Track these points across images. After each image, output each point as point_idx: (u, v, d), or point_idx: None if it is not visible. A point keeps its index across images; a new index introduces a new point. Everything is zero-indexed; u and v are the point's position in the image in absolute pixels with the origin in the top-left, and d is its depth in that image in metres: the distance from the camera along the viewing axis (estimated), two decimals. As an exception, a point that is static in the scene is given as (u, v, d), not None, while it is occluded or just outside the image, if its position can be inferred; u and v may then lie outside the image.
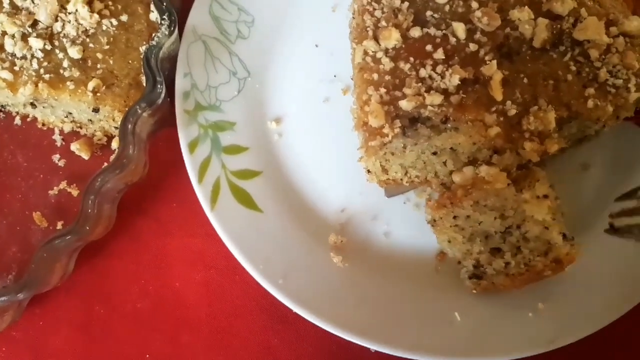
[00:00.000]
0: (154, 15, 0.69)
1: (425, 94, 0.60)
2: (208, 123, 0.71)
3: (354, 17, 0.67)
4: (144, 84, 0.67)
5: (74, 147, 0.73)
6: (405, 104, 0.59)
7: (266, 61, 0.75)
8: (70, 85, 0.64)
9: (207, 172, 0.68)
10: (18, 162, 0.74)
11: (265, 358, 0.69)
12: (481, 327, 0.63)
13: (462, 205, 0.60)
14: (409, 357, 0.62)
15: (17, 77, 0.64)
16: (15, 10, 0.66)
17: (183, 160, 0.70)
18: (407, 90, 0.60)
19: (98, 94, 0.65)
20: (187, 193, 0.71)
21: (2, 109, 0.74)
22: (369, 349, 0.68)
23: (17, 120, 0.75)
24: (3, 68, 0.64)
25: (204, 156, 0.69)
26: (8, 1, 0.66)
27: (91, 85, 0.65)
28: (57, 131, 0.74)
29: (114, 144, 0.74)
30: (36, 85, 0.64)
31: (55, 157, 0.74)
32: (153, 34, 0.68)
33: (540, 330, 0.63)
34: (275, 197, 0.70)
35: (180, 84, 0.70)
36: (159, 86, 0.64)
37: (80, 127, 0.74)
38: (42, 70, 0.65)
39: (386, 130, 0.59)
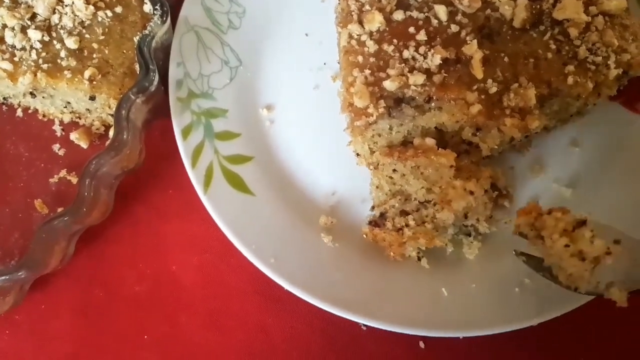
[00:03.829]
0: (148, 7, 0.71)
1: (409, 75, 0.62)
2: (201, 110, 0.73)
3: (339, 3, 0.69)
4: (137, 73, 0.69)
5: (73, 136, 0.76)
6: (389, 85, 0.61)
7: (257, 50, 0.78)
8: (68, 74, 0.67)
9: (200, 158, 0.70)
10: (20, 152, 0.76)
11: (259, 337, 0.71)
12: (468, 301, 0.64)
13: (404, 163, 0.64)
14: (398, 330, 0.63)
15: (17, 67, 0.67)
16: (14, 4, 0.69)
17: (178, 149, 0.73)
18: (390, 71, 0.62)
19: (94, 82, 0.67)
20: (183, 180, 0.73)
21: (5, 102, 0.77)
22: (360, 326, 0.70)
23: (19, 112, 0.78)
24: (3, 59, 0.67)
25: (197, 142, 0.71)
26: (7, -4, 0.69)
27: (87, 73, 0.67)
28: (57, 122, 0.77)
29: (112, 133, 0.76)
30: (35, 75, 0.67)
31: (56, 147, 0.76)
32: (148, 25, 0.70)
33: (526, 305, 0.64)
34: (267, 181, 0.72)
35: (174, 72, 0.73)
36: (151, 73, 0.66)
37: (79, 118, 0.76)
38: (40, 61, 0.67)
39: (371, 110, 0.61)
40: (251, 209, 0.69)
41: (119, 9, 0.70)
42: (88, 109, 0.73)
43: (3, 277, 0.61)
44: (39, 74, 0.66)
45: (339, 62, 0.68)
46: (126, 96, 0.65)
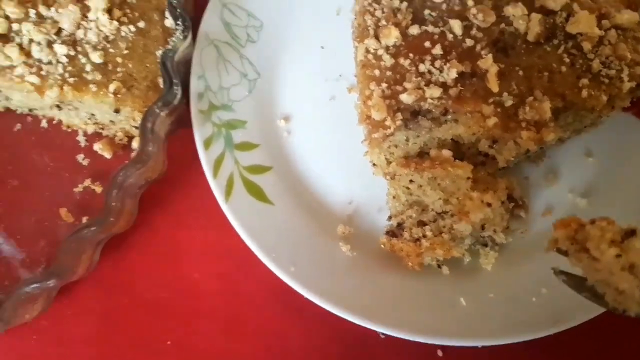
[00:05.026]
0: (169, 22, 0.73)
1: (425, 88, 0.63)
2: (221, 122, 0.75)
3: (355, 18, 0.71)
4: (161, 86, 0.71)
5: (97, 147, 0.78)
6: (406, 97, 0.63)
7: (275, 63, 0.80)
8: (93, 87, 0.69)
9: (221, 168, 0.72)
10: (45, 162, 0.79)
11: (277, 343, 0.72)
12: (486, 311, 0.66)
13: (421, 174, 0.65)
14: (416, 339, 0.65)
15: (44, 81, 0.69)
16: (40, 19, 0.71)
17: (199, 159, 0.75)
18: (407, 85, 0.64)
19: (119, 96, 0.69)
20: (203, 189, 0.75)
21: (30, 113, 0.80)
22: (377, 334, 0.71)
23: (44, 123, 0.80)
24: (31, 73, 0.69)
25: (218, 153, 0.73)
26: (34, 11, 0.71)
27: (112, 87, 0.69)
28: (80, 133, 0.79)
29: (134, 144, 0.78)
30: (61, 88, 0.69)
31: (80, 157, 0.78)
32: (168, 39, 0.73)
33: (544, 314, 0.65)
34: (285, 190, 0.74)
35: (195, 85, 0.75)
36: (175, 87, 0.68)
37: (103, 129, 0.78)
38: (66, 74, 0.69)
39: (388, 122, 0.62)
40: (270, 218, 0.71)
41: (141, 24, 0.72)
42: (112, 121, 0.75)
43: (33, 285, 0.63)
44: (65, 88, 0.69)
45: (355, 76, 0.69)
46: (151, 110, 0.67)
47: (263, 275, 0.73)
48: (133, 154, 0.76)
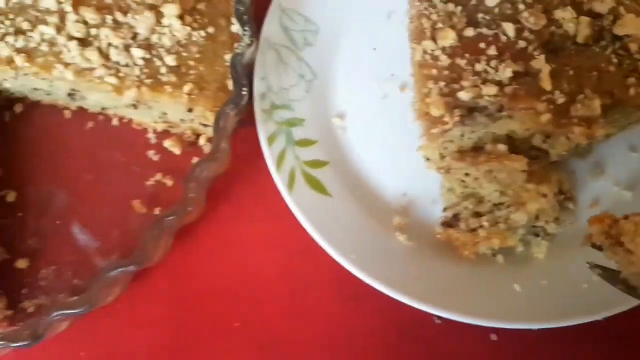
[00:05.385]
0: (235, 28, 0.79)
1: (482, 86, 0.67)
2: (282, 120, 0.80)
3: (411, 22, 0.75)
4: (230, 87, 0.77)
5: (167, 143, 0.84)
6: (463, 95, 0.67)
7: (330, 64, 0.85)
8: (168, 88, 0.75)
9: (283, 162, 0.78)
10: (117, 157, 0.85)
11: (337, 327, 0.77)
12: (539, 296, 0.70)
13: (477, 168, 0.69)
14: (471, 321, 0.69)
15: (122, 82, 0.75)
16: (117, 25, 0.77)
17: (258, 154, 0.80)
18: (464, 83, 0.68)
19: (192, 96, 0.75)
20: (263, 183, 0.81)
21: (102, 112, 0.86)
22: (432, 319, 0.76)
23: (115, 122, 0.86)
24: (110, 75, 0.75)
25: (280, 149, 0.78)
26: (111, 17, 0.77)
27: (186, 88, 0.75)
28: (150, 130, 0.85)
29: (201, 141, 0.84)
30: (139, 89, 0.74)
31: (150, 153, 0.84)
32: (235, 44, 0.78)
33: (595, 299, 0.69)
34: (342, 183, 0.79)
35: (258, 86, 0.80)
36: (243, 89, 0.74)
37: (171, 127, 0.84)
38: (143, 76, 0.75)
39: (446, 118, 0.67)
40: (330, 209, 0.76)
41: (210, 29, 0.77)
42: (182, 119, 0.81)
43: (119, 270, 0.69)
44: (142, 88, 0.74)
45: (413, 75, 0.74)
46: (223, 110, 0.72)
47: (323, 264, 0.78)
48: (207, 150, 0.84)
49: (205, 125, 0.82)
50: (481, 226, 0.69)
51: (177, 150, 0.84)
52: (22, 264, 0.81)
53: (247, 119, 0.82)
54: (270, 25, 0.83)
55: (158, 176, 0.84)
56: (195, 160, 0.84)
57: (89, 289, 0.72)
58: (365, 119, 0.83)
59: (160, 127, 0.85)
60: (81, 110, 0.87)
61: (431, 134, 0.67)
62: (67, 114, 0.87)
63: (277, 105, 0.81)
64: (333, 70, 0.84)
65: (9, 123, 0.87)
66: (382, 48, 0.85)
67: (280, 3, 0.83)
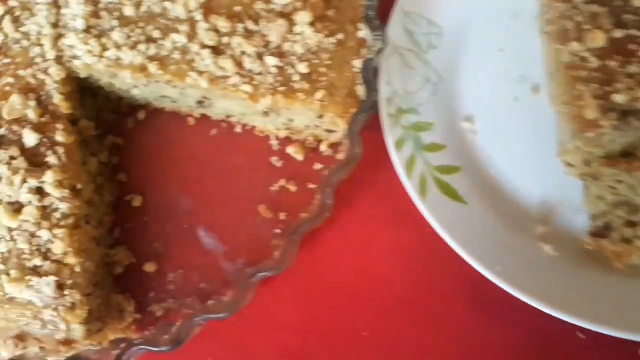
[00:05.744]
0: (362, 33, 0.78)
1: (637, 88, 0.64)
2: (409, 124, 0.79)
3: (550, 23, 0.73)
4: (357, 93, 0.77)
5: (290, 150, 0.85)
6: (618, 98, 0.64)
7: (455, 67, 0.83)
8: (301, 95, 0.75)
9: (413, 168, 0.77)
10: (240, 163, 0.87)
11: (471, 340, 0.76)
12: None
13: (632, 174, 0.65)
14: (620, 335, 0.66)
15: (256, 90, 0.76)
16: (249, 33, 0.78)
17: (382, 159, 0.79)
18: (618, 85, 0.65)
19: (323, 103, 0.75)
20: (387, 188, 0.81)
21: (224, 119, 0.88)
22: (576, 334, 0.73)
23: (238, 129, 0.88)
24: (244, 82, 0.76)
25: (409, 154, 0.78)
26: (242, 26, 0.78)
27: (318, 95, 0.75)
28: (272, 137, 0.86)
29: (322, 147, 0.84)
30: (273, 96, 0.75)
31: (274, 159, 0.85)
32: (362, 49, 0.78)
33: None
34: (476, 189, 0.77)
35: (384, 91, 0.80)
36: (374, 94, 0.73)
37: (293, 133, 0.85)
38: (276, 84, 0.76)
39: (602, 122, 0.64)
40: (466, 216, 0.75)
41: (340, 36, 0.77)
42: (307, 126, 0.82)
43: (262, 274, 0.70)
44: (277, 96, 0.75)
45: (548, 76, 0.71)
46: (356, 115, 0.72)
47: (453, 272, 0.77)
48: (328, 155, 0.84)
49: (329, 131, 0.82)
50: (637, 236, 0.65)
51: (299, 157, 0.85)
52: (149, 267, 0.84)
53: (368, 124, 0.82)
54: (394, 29, 0.82)
55: (282, 182, 0.84)
56: (317, 166, 0.85)
57: (231, 293, 0.74)
58: (496, 122, 0.81)
59: (282, 133, 0.86)
60: (204, 118, 0.89)
61: (584, 137, 0.65)
62: (191, 121, 0.89)
63: (404, 109, 0.80)
64: (459, 73, 0.83)
65: (133, 130, 0.90)
66: (509, 49, 0.83)
67: (403, 7, 0.82)
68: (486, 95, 0.82)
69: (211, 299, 0.81)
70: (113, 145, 0.90)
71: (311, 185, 0.83)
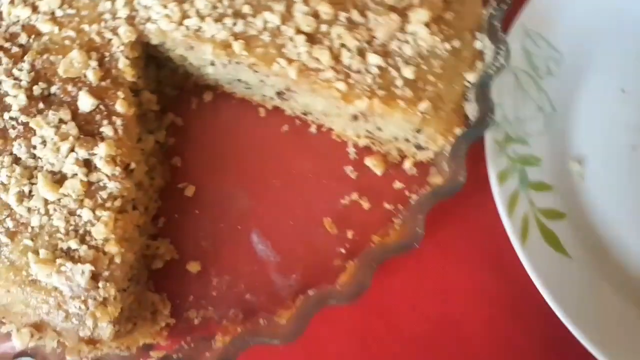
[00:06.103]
0: (479, 44, 0.69)
1: None
2: (516, 156, 0.70)
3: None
4: (465, 111, 0.67)
5: (369, 162, 0.75)
6: None
7: (571, 99, 0.74)
8: (402, 104, 0.66)
9: (516, 206, 0.67)
10: (309, 167, 0.77)
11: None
12: None
13: None
14: None
15: (351, 90, 0.66)
16: (352, 24, 0.69)
17: (477, 190, 0.70)
18: None
19: (426, 116, 0.66)
20: (480, 223, 0.72)
21: (300, 116, 0.78)
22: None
23: (313, 129, 0.78)
24: (338, 79, 0.67)
25: (512, 189, 0.68)
26: (345, 15, 0.68)
27: (422, 106, 0.65)
28: (350, 144, 0.77)
29: (407, 164, 0.75)
30: (370, 100, 0.66)
31: (348, 169, 0.76)
32: (475, 62, 0.68)
33: None
34: (581, 243, 0.68)
35: (492, 113, 0.70)
36: (491, 115, 0.64)
37: (375, 143, 0.76)
38: (375, 86, 0.66)
39: None
40: (568, 271, 0.65)
41: (456, 43, 0.68)
42: (396, 137, 0.72)
43: (328, 302, 0.60)
44: (374, 100, 0.65)
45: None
46: (466, 137, 0.63)
47: (538, 329, 0.67)
48: (411, 174, 0.74)
49: (419, 148, 0.72)
50: None
51: (378, 171, 0.75)
52: (193, 267, 0.74)
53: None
54: (512, 47, 0.73)
55: (354, 195, 0.75)
56: (398, 185, 0.75)
57: (281, 313, 0.65)
58: (609, 169, 0.72)
59: (363, 142, 0.76)
60: (277, 111, 0.79)
61: None
62: (262, 112, 0.79)
63: (512, 137, 0.71)
64: (574, 107, 0.74)
65: (195, 111, 0.81)
66: (632, 91, 0.74)
67: (524, 24, 0.73)
68: (601, 137, 0.73)
69: (257, 316, 0.71)
70: (171, 125, 0.80)
71: (387, 206, 0.74)
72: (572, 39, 0.74)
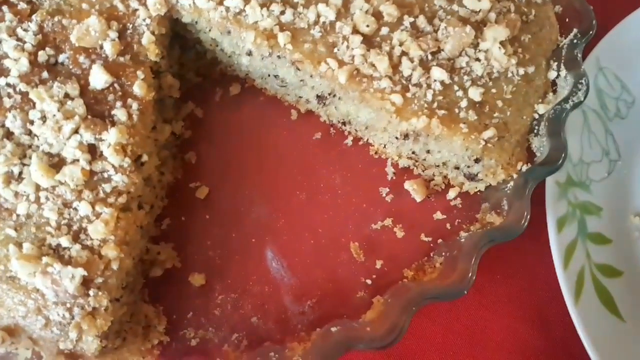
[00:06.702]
0: (553, 74, 0.62)
1: None
2: (577, 202, 0.63)
3: None
4: (530, 143, 0.60)
5: (409, 185, 0.67)
6: None
7: (637, 148, 0.68)
8: (464, 128, 0.58)
9: (572, 258, 0.60)
10: (337, 183, 0.68)
11: None
12: None
13: None
14: None
15: (407, 104, 0.59)
16: (417, 31, 0.61)
17: (529, 235, 0.62)
18: None
19: (489, 145, 0.58)
20: (522, 271, 0.65)
21: (335, 124, 0.70)
22: None
23: (349, 141, 0.70)
24: (394, 91, 0.58)
25: (571, 239, 0.61)
26: (410, 20, 0.60)
27: (487, 133, 0.58)
28: (389, 163, 0.69)
29: (451, 193, 0.67)
30: (429, 119, 0.58)
31: (384, 190, 0.68)
32: (548, 94, 0.61)
33: None
34: (637, 305, 0.61)
35: (555, 152, 0.63)
36: (563, 156, 0.56)
37: (418, 166, 0.68)
38: (435, 104, 0.58)
39: None
40: (621, 337, 0.59)
41: (530, 69, 0.61)
42: (444, 163, 0.64)
43: (366, 344, 0.52)
44: (433, 120, 0.58)
45: None
46: (533, 175, 0.56)
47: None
48: (454, 204, 0.66)
49: (471, 179, 0.65)
50: None
51: (417, 197, 0.67)
52: (196, 279, 0.65)
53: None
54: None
55: (387, 221, 0.67)
56: (438, 215, 0.66)
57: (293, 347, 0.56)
58: (672, 228, 0.65)
59: (404, 162, 0.68)
60: (311, 115, 0.71)
61: None
62: (294, 114, 0.71)
63: (575, 181, 0.64)
64: (638, 156, 0.68)
65: (219, 103, 0.72)
66: (702, 146, 0.68)
67: (598, 58, 0.66)
68: (668, 193, 0.66)
69: (263, 344, 0.62)
70: (189, 115, 0.71)
71: (425, 237, 0.66)
72: (646, 82, 0.68)
